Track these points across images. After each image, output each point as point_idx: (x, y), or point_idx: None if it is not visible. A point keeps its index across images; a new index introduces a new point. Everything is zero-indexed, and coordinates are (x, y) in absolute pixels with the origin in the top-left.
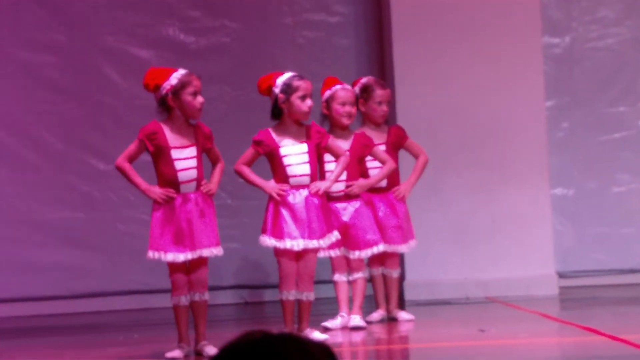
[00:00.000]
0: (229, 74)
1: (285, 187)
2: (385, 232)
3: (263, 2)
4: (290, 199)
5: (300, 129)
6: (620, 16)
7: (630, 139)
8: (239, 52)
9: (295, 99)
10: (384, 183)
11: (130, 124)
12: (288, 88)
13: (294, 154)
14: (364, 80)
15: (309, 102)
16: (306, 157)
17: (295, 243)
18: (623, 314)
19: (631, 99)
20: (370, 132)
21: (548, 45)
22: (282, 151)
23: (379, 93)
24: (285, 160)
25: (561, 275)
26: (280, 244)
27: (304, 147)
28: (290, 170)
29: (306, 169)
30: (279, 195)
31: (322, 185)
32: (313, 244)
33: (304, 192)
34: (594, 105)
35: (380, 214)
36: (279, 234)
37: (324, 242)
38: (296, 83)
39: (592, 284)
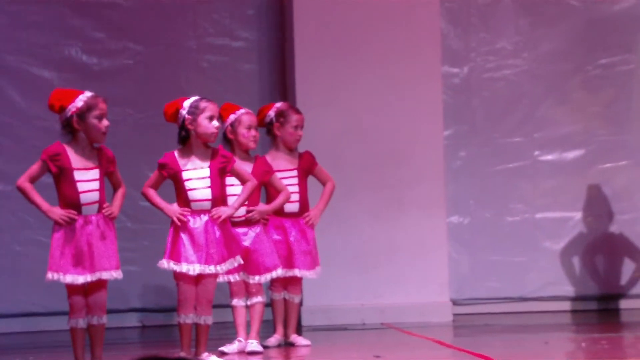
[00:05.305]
0: (131, 97)
1: (187, 211)
2: (295, 257)
3: (167, 25)
4: (191, 223)
5: (206, 151)
6: (517, 48)
7: (525, 169)
8: (142, 74)
9: (202, 119)
10: (295, 208)
11: (30, 145)
12: (195, 109)
13: (196, 178)
14: (278, 104)
15: (215, 123)
16: (208, 182)
17: (192, 267)
18: (514, 341)
19: (527, 130)
20: (283, 157)
21: (447, 74)
22: (184, 175)
23: (295, 117)
24: (187, 185)
25: (455, 303)
26: (177, 268)
27: (206, 171)
28: (192, 195)
29: (207, 193)
30: (179, 220)
31: (223, 212)
32: (210, 269)
33: (205, 217)
34: (491, 135)
35: (291, 238)
36: (176, 258)
37: (221, 268)
38: (203, 104)
39: (485, 312)
